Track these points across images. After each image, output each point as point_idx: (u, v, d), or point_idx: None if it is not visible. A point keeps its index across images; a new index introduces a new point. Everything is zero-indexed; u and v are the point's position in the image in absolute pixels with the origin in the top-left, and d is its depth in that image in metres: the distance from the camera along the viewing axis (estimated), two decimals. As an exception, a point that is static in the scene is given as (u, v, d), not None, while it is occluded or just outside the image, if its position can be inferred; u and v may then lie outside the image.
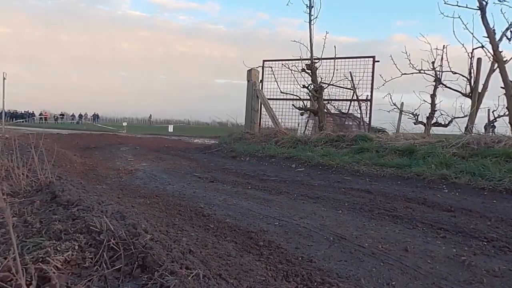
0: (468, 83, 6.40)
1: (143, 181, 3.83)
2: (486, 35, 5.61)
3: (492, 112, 6.60)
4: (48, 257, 1.21)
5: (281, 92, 8.22)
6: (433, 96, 6.81)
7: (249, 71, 8.54)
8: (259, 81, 8.67)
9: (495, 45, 5.58)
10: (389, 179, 4.00)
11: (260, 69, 8.66)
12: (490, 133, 6.36)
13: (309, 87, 7.61)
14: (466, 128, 5.84)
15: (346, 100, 8.06)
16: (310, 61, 7.46)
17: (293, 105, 8.14)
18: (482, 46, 5.87)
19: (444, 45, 6.56)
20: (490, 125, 6.71)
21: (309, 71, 7.48)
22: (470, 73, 6.37)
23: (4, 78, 8.12)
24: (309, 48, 7.43)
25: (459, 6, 5.79)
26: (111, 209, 1.86)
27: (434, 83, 6.75)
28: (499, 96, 5.98)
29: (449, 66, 6.56)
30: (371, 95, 7.55)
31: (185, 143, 10.96)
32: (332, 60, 7.71)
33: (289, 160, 5.41)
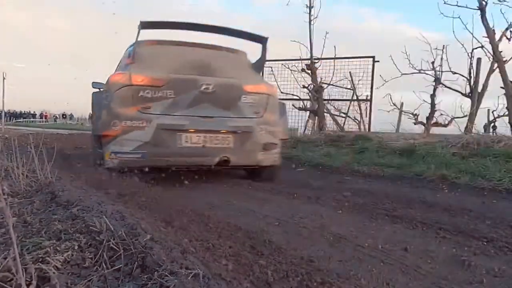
0: (468, 83, 6.40)
1: (144, 180, 3.82)
2: (486, 35, 5.62)
3: (492, 112, 6.61)
4: (48, 257, 1.21)
5: (281, 92, 8.22)
6: (433, 96, 6.82)
7: (249, 71, 8.53)
8: (259, 81, 8.66)
9: (495, 45, 5.59)
10: (389, 179, 4.00)
11: (260, 69, 8.66)
12: (491, 133, 6.37)
13: (309, 87, 7.61)
14: (466, 128, 5.84)
15: (346, 100, 8.06)
16: (310, 61, 7.47)
17: (293, 105, 8.15)
18: (482, 46, 5.89)
19: (443, 45, 6.57)
20: (491, 125, 6.72)
21: (309, 71, 7.49)
22: (470, 73, 6.38)
23: (4, 78, 8.13)
24: (309, 48, 7.45)
25: (458, 6, 5.81)
26: (111, 209, 1.86)
27: (434, 83, 6.76)
28: (499, 96, 6.00)
29: (449, 66, 6.57)
30: (371, 95, 7.55)
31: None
32: (332, 60, 7.72)
33: (289, 160, 5.41)
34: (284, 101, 8.30)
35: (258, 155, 3.35)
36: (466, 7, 5.76)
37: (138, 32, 3.34)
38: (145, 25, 3.38)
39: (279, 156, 3.59)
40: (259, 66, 3.70)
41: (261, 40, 3.66)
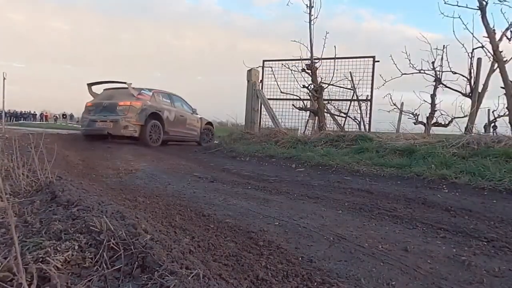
0: (468, 83, 6.39)
1: (143, 181, 3.83)
2: (486, 35, 5.61)
3: (492, 112, 6.61)
4: (48, 257, 1.21)
5: (281, 92, 8.22)
6: (433, 96, 6.81)
7: (249, 71, 8.53)
8: (259, 81, 8.67)
9: (495, 45, 5.57)
10: (389, 179, 4.00)
11: (260, 69, 8.67)
12: (491, 133, 6.36)
13: (309, 87, 7.61)
14: (466, 128, 5.84)
15: (346, 100, 8.06)
16: (310, 61, 7.46)
17: (293, 105, 8.15)
18: (482, 46, 5.88)
19: (444, 45, 6.56)
20: (491, 125, 6.71)
21: (309, 71, 7.48)
22: (470, 73, 6.37)
23: (4, 78, 8.12)
24: (309, 48, 7.44)
25: (459, 6, 5.80)
26: (111, 209, 1.86)
27: (434, 83, 6.75)
28: (499, 96, 5.99)
29: (449, 66, 6.57)
30: (371, 95, 7.55)
31: (185, 143, 10.93)
32: (332, 60, 7.71)
33: (289, 160, 5.41)
34: (284, 101, 8.42)
35: (121, 131, 7.42)
36: (466, 7, 5.75)
37: (89, 88, 8.51)
38: (90, 84, 8.52)
39: (135, 132, 7.59)
40: (131, 93, 7.77)
41: (125, 83, 7.92)
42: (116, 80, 8.30)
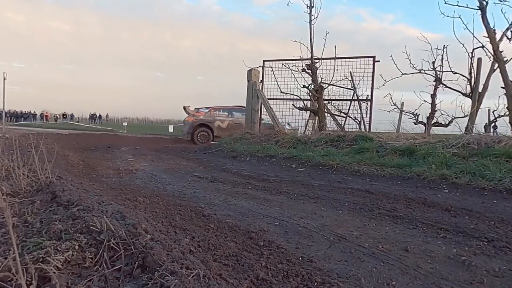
0: (468, 83, 6.39)
1: (143, 181, 3.83)
2: (487, 35, 5.60)
3: (493, 112, 6.60)
4: (48, 257, 1.21)
5: (281, 92, 8.22)
6: (433, 96, 6.80)
7: (249, 71, 8.53)
8: (259, 81, 8.67)
9: (495, 45, 5.57)
10: (389, 179, 3.99)
11: (260, 69, 8.67)
12: (492, 133, 6.36)
13: (309, 87, 7.60)
14: (466, 128, 5.83)
15: (347, 100, 8.05)
16: (310, 61, 7.46)
17: (293, 105, 8.14)
18: (483, 46, 5.87)
19: (444, 45, 6.56)
20: (491, 125, 6.71)
21: (309, 71, 7.48)
22: (470, 73, 6.36)
23: (4, 78, 8.13)
24: (309, 48, 7.44)
25: (459, 6, 5.79)
26: (111, 209, 1.87)
27: (434, 83, 6.75)
28: (499, 96, 5.98)
29: (449, 66, 6.56)
30: (372, 95, 7.54)
31: (186, 142, 10.97)
32: (332, 60, 7.71)
33: (290, 160, 5.41)
34: (284, 101, 8.43)
35: (184, 136, 12.17)
36: (467, 7, 5.74)
37: (185, 110, 11.87)
38: (184, 107, 11.89)
39: (188, 137, 11.47)
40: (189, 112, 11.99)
41: (186, 107, 11.97)
42: (186, 105, 12.16)
